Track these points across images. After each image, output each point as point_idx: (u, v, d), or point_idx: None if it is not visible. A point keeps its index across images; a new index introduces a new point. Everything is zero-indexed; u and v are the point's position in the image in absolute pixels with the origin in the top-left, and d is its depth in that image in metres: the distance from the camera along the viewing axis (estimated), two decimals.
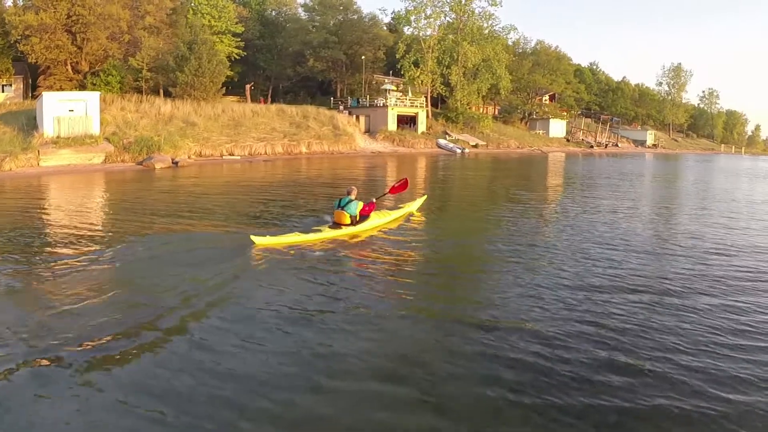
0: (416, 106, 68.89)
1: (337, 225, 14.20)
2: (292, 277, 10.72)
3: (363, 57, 71.51)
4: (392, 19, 74.67)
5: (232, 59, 68.47)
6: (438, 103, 77.39)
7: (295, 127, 56.97)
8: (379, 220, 15.58)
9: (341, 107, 68.35)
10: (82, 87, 55.95)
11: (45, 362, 6.92)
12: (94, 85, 55.49)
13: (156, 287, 9.95)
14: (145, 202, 23.16)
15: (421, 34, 71.57)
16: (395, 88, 69.95)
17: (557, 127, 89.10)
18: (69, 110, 46.13)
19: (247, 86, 71.30)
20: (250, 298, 9.47)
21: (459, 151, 62.03)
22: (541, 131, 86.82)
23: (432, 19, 72.07)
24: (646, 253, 13.50)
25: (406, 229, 15.93)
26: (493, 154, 63.86)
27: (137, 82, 56.98)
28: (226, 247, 13.20)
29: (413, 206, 18.56)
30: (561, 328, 8.17)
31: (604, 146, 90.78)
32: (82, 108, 46.40)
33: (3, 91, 58.03)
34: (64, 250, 13.21)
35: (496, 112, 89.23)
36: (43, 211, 20.64)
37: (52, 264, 11.87)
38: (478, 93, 72.93)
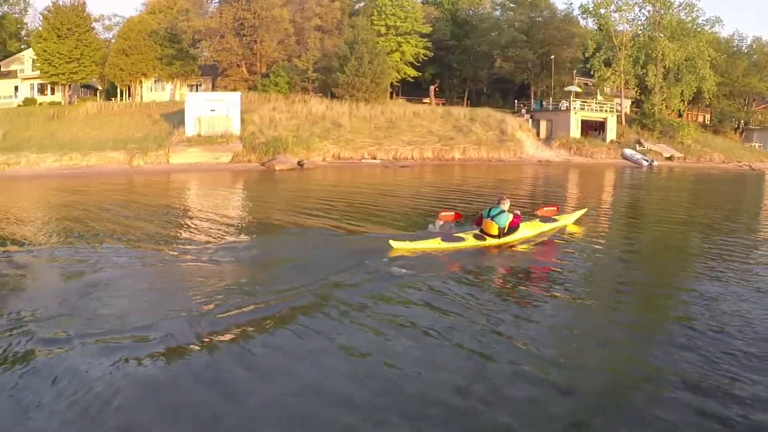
0: (605, 111, 59.47)
1: (482, 235, 12.96)
2: (425, 287, 9.54)
3: (552, 57, 63.32)
4: (580, 12, 66.22)
5: (420, 60, 65.63)
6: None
7: (456, 130, 51.60)
8: (528, 231, 13.91)
9: (523, 110, 61.56)
10: (254, 88, 56.04)
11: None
12: (264, 86, 54.73)
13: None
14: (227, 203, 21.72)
15: (612, 29, 62.71)
16: (580, 90, 61.56)
17: None
18: (210, 110, 45.19)
19: (431, 87, 67.30)
20: (372, 306, 8.53)
21: (646, 163, 52.81)
22: (758, 144, 71.79)
23: (624, 12, 61.95)
24: None
25: (561, 245, 13.74)
26: (691, 168, 53.55)
27: (304, 83, 55.35)
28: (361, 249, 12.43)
29: (569, 219, 15.94)
30: None
31: None
32: (223, 108, 45.32)
33: (194, 91, 59.21)
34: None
35: (705, 121, 75.93)
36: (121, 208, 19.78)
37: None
38: (682, 97, 62.72)
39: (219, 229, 15.34)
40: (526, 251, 13.00)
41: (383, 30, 62.62)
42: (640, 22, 62.85)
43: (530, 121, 58.53)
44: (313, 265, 11.00)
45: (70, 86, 59.27)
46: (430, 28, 65.58)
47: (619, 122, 60.53)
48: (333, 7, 59.18)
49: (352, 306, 8.39)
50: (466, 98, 73.43)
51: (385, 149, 45.86)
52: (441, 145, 48.10)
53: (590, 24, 65.79)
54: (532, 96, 65.36)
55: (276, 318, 7.91)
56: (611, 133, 58.71)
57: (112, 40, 67.25)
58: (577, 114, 57.04)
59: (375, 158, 44.95)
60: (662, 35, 60.67)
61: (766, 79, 73.15)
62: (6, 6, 68.88)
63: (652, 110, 60.16)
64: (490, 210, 13.14)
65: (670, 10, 61.56)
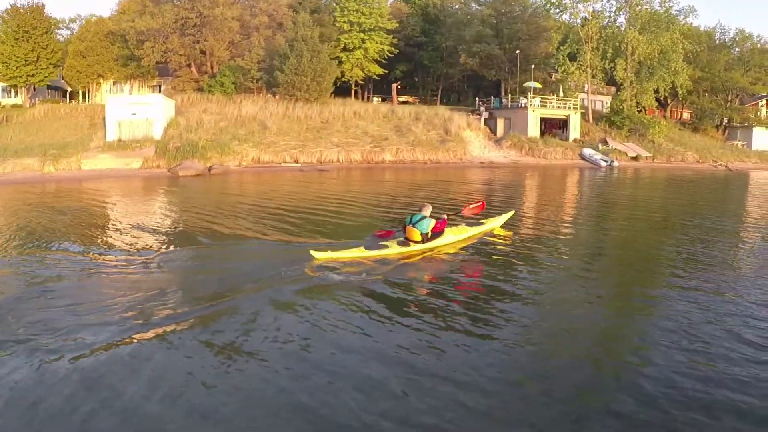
0: (568, 108, 56.35)
1: (406, 242, 13.01)
2: (346, 297, 9.56)
3: (518, 52, 59.93)
4: (543, 2, 62.42)
5: (386, 57, 63.83)
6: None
7: (395, 131, 49.05)
8: (454, 236, 13.98)
9: (482, 109, 58.38)
10: (201, 89, 54.97)
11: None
12: (210, 86, 53.92)
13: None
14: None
15: (577, 21, 58.60)
16: (540, 86, 57.90)
17: (764, 138, 67.98)
18: (132, 114, 44.32)
19: (393, 85, 65.50)
20: (291, 318, 8.55)
21: (605, 164, 49.69)
22: (740, 142, 66.65)
23: (590, 2, 58.06)
24: None
25: (485, 248, 13.91)
26: (659, 168, 49.86)
27: (248, 83, 54.15)
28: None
29: (496, 222, 16.11)
30: None
31: None
32: (145, 112, 44.45)
33: (155, 92, 58.45)
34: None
35: (685, 117, 71.57)
36: None
37: None
38: (657, 94, 58.70)
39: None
40: (452, 256, 13.03)
41: (346, 26, 61.12)
42: (607, 14, 59.30)
43: (482, 119, 55.78)
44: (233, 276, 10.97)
45: (34, 88, 59.59)
46: (397, 24, 63.69)
47: (585, 120, 57.36)
48: (281, 3, 57.81)
49: (265, 314, 8.58)
50: (439, 96, 71.42)
51: (309, 152, 44.16)
52: (372, 147, 46.21)
53: (568, 17, 62.55)
54: (503, 93, 62.71)
55: (190, 324, 8.16)
56: (574, 131, 55.65)
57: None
58: (536, 111, 54.05)
59: (297, 162, 43.48)
60: (633, 27, 57.31)
61: (751, 74, 68.38)
62: None
63: (621, 107, 56.83)
64: (411, 217, 13.14)
65: (642, 0, 57.91)
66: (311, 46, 49.62)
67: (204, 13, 51.04)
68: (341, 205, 22.06)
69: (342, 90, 62.66)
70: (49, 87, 63.09)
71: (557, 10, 60.97)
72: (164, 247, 14.17)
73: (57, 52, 56.87)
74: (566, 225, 18.60)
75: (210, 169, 39.36)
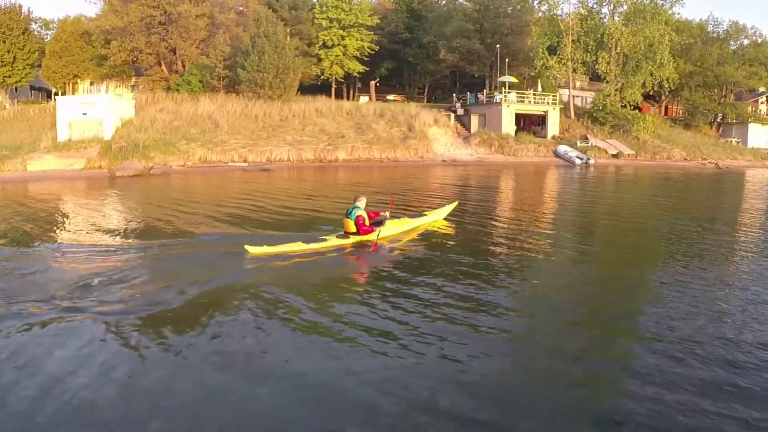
0: (546, 104, 53.66)
1: (345, 234, 13.15)
2: (284, 290, 9.36)
3: (498, 46, 57.20)
4: None
5: (367, 54, 62.56)
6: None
7: (354, 129, 47.36)
8: (395, 228, 14.09)
9: (457, 105, 56.36)
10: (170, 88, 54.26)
11: None
12: (178, 85, 53.38)
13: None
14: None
15: (557, 12, 56.03)
16: (516, 80, 55.30)
17: (760, 135, 64.58)
18: (83, 114, 43.92)
19: (372, 82, 64.00)
20: (225, 314, 8.31)
21: (580, 161, 47.61)
22: (735, 139, 63.31)
23: None
24: None
25: (428, 240, 13.93)
26: (641, 167, 47.14)
27: (213, 81, 53.25)
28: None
29: (439, 214, 16.22)
30: None
31: None
32: (96, 111, 44.03)
33: (134, 91, 58.26)
34: None
35: (676, 114, 68.30)
36: None
37: None
38: (644, 88, 55.75)
39: None
40: (391, 247, 13.06)
41: (326, 23, 59.95)
42: (590, 4, 56.65)
43: (451, 117, 54.02)
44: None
45: (16, 89, 59.93)
46: (378, 21, 62.31)
47: (566, 116, 54.99)
48: None
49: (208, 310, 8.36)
50: (426, 94, 69.77)
51: (259, 151, 43.09)
52: (326, 145, 44.91)
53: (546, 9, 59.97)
54: (487, 89, 60.67)
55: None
56: (553, 128, 53.26)
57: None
58: (511, 107, 51.89)
59: (245, 161, 42.50)
60: (617, 18, 54.76)
61: (746, 68, 64.71)
62: None
63: (603, 102, 54.41)
64: (348, 210, 13.17)
65: None
66: (273, 42, 48.54)
67: (169, 11, 50.30)
68: (267, 203, 21.39)
69: (323, 88, 61.61)
70: (32, 87, 63.53)
71: (537, 2, 58.50)
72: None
73: (34, 53, 56.98)
74: (500, 222, 17.95)
75: (150, 169, 38.67)
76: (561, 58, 54.18)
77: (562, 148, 49.48)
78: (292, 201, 22.81)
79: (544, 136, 52.78)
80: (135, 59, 52.96)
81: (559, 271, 11.48)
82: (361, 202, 13.21)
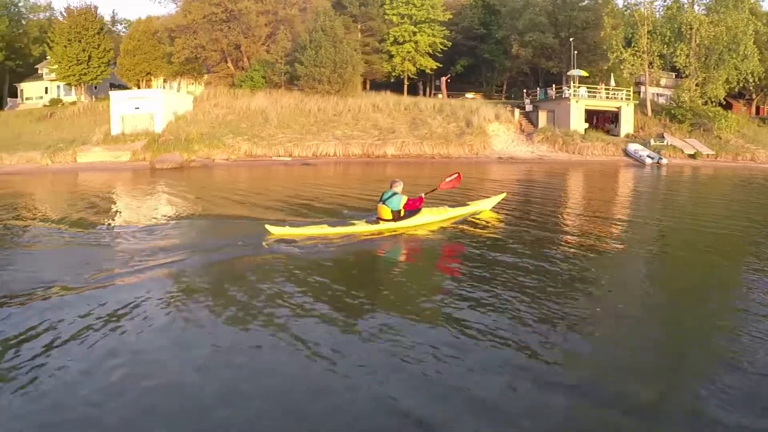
0: (618, 99, 50.08)
1: (376, 220, 12.04)
2: (301, 275, 8.43)
3: (572, 40, 53.61)
4: None
5: (440, 50, 60.88)
6: None
7: (408, 124, 46.15)
8: (431, 216, 12.76)
9: (527, 101, 53.84)
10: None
11: None
12: (242, 81, 53.61)
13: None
14: None
15: (632, 0, 52.20)
16: (585, 74, 51.84)
17: None
18: (135, 108, 44.64)
19: (443, 79, 62.12)
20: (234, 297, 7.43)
21: (651, 161, 44.10)
22: None
23: None
24: None
25: (469, 231, 12.15)
26: (721, 168, 42.94)
27: (275, 77, 52.96)
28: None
29: (483, 204, 14.60)
30: None
31: None
32: (148, 106, 44.61)
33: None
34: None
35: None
36: None
37: None
38: (728, 83, 50.84)
39: None
40: (427, 237, 11.76)
41: (396, 19, 58.73)
42: None
43: (515, 113, 51.08)
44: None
45: (95, 87, 62.09)
46: (451, 16, 60.61)
47: (643, 113, 51.45)
48: None
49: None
50: (504, 91, 67.27)
51: (305, 146, 42.35)
52: (374, 140, 43.58)
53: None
54: (563, 85, 57.46)
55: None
56: (627, 125, 49.73)
57: None
58: (580, 102, 48.91)
59: (290, 156, 41.81)
60: (698, 8, 50.60)
61: None
62: (29, 14, 73.68)
63: (682, 98, 50.38)
64: (383, 195, 12.09)
65: None
66: (331, 36, 47.73)
67: (230, 8, 50.48)
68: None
69: (397, 86, 60.42)
70: (112, 85, 65.52)
71: None
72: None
73: (109, 52, 58.62)
74: (549, 219, 15.12)
75: (189, 162, 38.61)
76: (636, 51, 50.45)
77: (633, 147, 46.09)
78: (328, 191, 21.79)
79: (618, 135, 49.39)
80: (198, 56, 53.35)
81: (631, 275, 9.19)
82: (398, 187, 12.08)
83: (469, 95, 64.35)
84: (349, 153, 42.20)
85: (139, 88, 60.33)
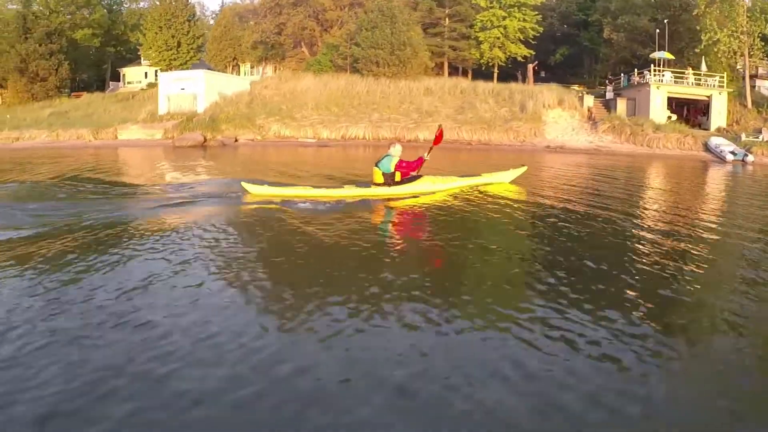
0: (709, 86, 43.44)
1: (367, 184, 11.30)
2: (271, 238, 7.95)
3: (666, 21, 47.75)
4: None
5: (532, 37, 56.88)
6: None
7: (455, 108, 43.09)
8: (432, 185, 11.65)
9: (608, 88, 48.27)
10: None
11: None
12: (311, 65, 53.10)
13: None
14: None
15: None
16: (671, 57, 45.36)
17: None
18: (181, 89, 45.26)
19: (530, 66, 57.74)
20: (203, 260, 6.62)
21: (732, 158, 37.69)
22: None
23: None
24: None
25: (476, 204, 10.78)
26: None
27: (339, 60, 51.67)
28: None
29: (499, 176, 13.40)
30: None
31: None
32: (192, 87, 45.07)
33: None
34: None
35: None
36: None
37: None
38: None
39: None
40: (426, 205, 10.65)
41: (485, 3, 55.38)
42: None
43: (585, 98, 45.71)
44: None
45: None
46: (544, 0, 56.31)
47: (742, 104, 44.60)
48: None
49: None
50: (608, 81, 61.53)
51: (335, 128, 40.68)
52: (408, 123, 40.93)
53: None
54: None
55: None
56: (719, 117, 43.20)
57: None
58: (661, 89, 43.12)
59: (317, 137, 40.34)
60: None
61: None
62: (127, 2, 76.96)
63: None
64: (380, 159, 11.29)
65: None
66: (389, 17, 45.68)
67: None
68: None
69: (489, 74, 57.20)
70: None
71: None
72: None
73: (198, 38, 60.40)
74: (579, 206, 11.83)
75: (207, 141, 38.47)
76: (733, 31, 43.61)
77: (715, 141, 39.76)
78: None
79: (708, 128, 43.15)
80: (267, 40, 53.39)
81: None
82: (394, 149, 11.09)
83: (575, 87, 59.53)
84: (379, 136, 39.87)
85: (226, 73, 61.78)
